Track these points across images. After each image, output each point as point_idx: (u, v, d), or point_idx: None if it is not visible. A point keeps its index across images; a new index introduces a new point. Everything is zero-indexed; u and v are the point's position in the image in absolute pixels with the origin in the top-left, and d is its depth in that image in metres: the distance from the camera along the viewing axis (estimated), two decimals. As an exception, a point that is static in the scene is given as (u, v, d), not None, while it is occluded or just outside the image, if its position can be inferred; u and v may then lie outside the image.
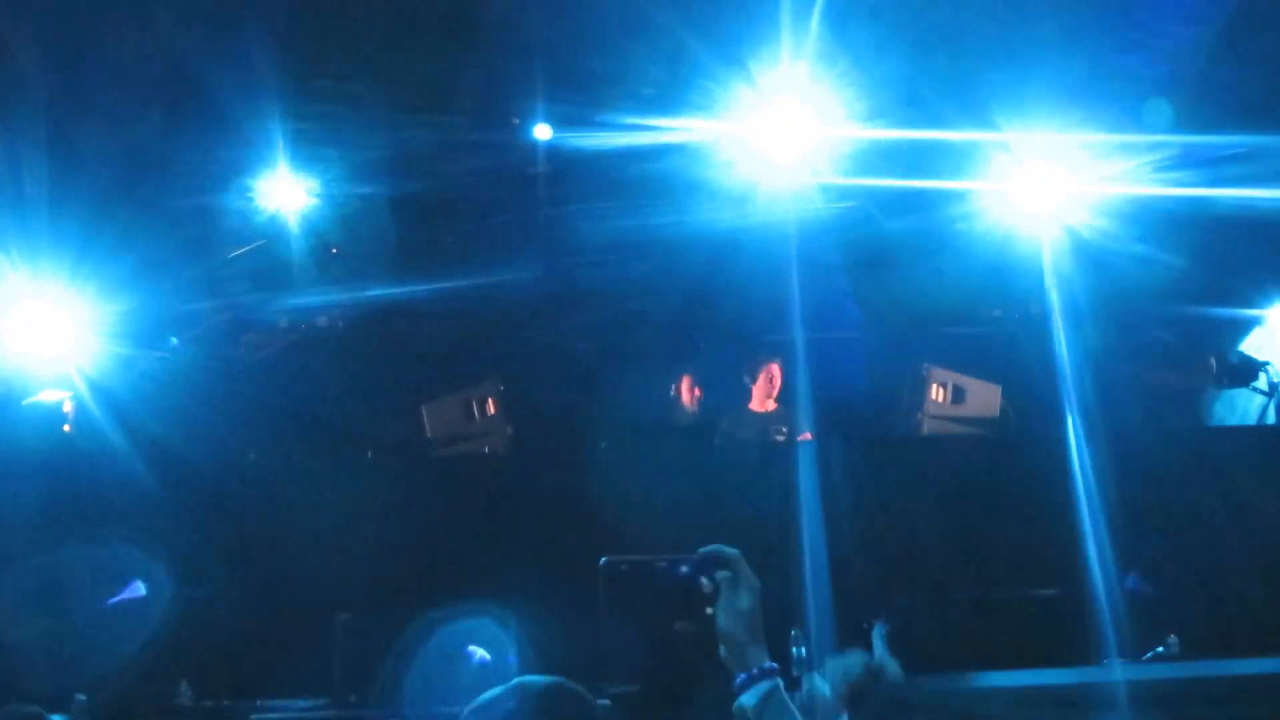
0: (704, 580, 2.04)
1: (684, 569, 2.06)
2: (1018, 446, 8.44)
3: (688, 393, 9.39)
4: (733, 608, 2.01)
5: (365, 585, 7.28)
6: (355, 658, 6.51)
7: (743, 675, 1.97)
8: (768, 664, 1.98)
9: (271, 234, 10.74)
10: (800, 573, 7.03)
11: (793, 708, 1.94)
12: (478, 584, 7.34)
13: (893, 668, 1.86)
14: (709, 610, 2.02)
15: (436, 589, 7.34)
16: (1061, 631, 6.63)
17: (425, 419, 8.61)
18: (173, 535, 7.46)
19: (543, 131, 10.60)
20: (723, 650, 2.01)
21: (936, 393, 8.70)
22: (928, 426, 8.64)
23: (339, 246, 11.02)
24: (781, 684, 1.97)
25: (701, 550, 2.07)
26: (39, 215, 9.77)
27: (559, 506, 7.63)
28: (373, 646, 6.58)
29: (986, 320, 11.05)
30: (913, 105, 10.46)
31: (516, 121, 10.69)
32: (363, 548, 7.42)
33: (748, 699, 1.94)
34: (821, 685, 1.93)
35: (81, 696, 6.27)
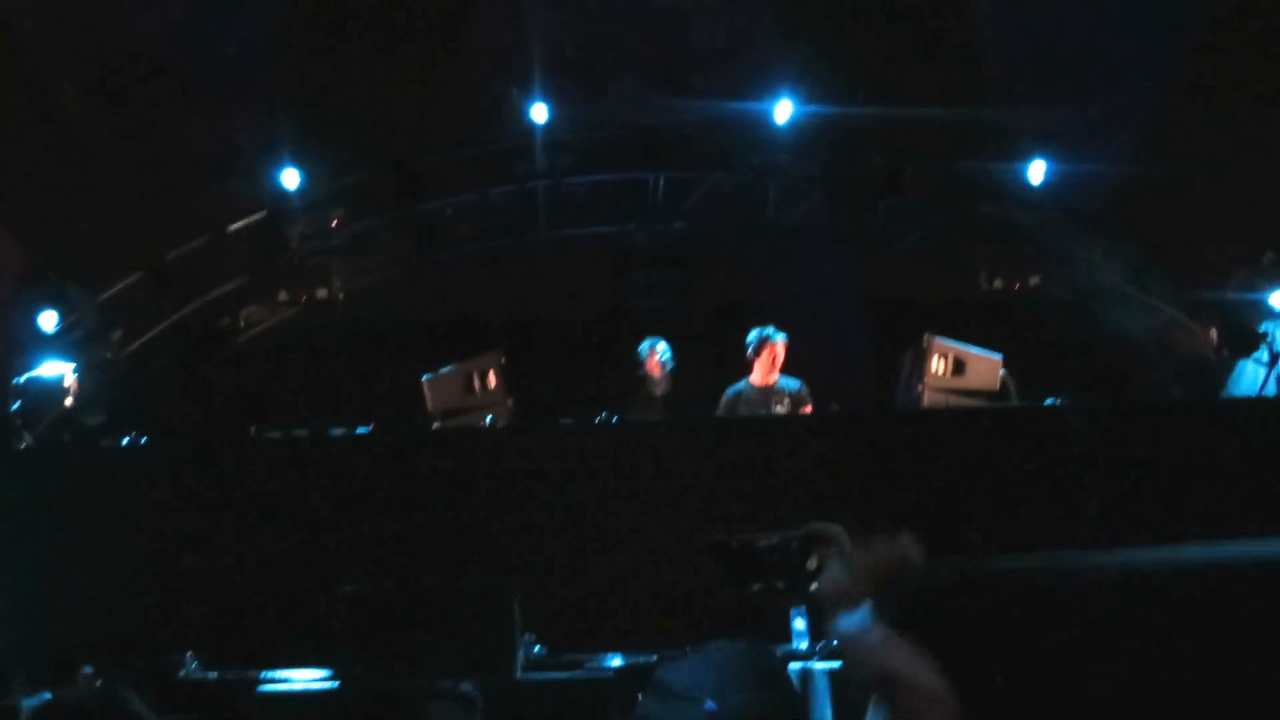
0: (810, 558, 2.06)
1: (789, 546, 2.08)
2: (1018, 417, 8.44)
3: (657, 367, 9.26)
4: (836, 583, 2.02)
5: (368, 556, 7.30)
6: (359, 629, 6.53)
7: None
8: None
9: (271, 209, 10.75)
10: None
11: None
12: (480, 556, 7.37)
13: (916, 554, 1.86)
14: (814, 587, 2.04)
15: (438, 560, 7.37)
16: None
17: (426, 391, 8.61)
18: (177, 506, 7.48)
19: (539, 113, 10.58)
20: (827, 624, 2.02)
21: (937, 364, 8.68)
22: (928, 398, 8.63)
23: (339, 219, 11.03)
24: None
25: (805, 527, 2.09)
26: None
27: (559, 479, 7.64)
28: (377, 618, 6.60)
29: (987, 292, 11.08)
30: (908, 81, 10.48)
31: (516, 92, 10.67)
32: (366, 519, 7.45)
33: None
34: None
35: (87, 669, 6.30)
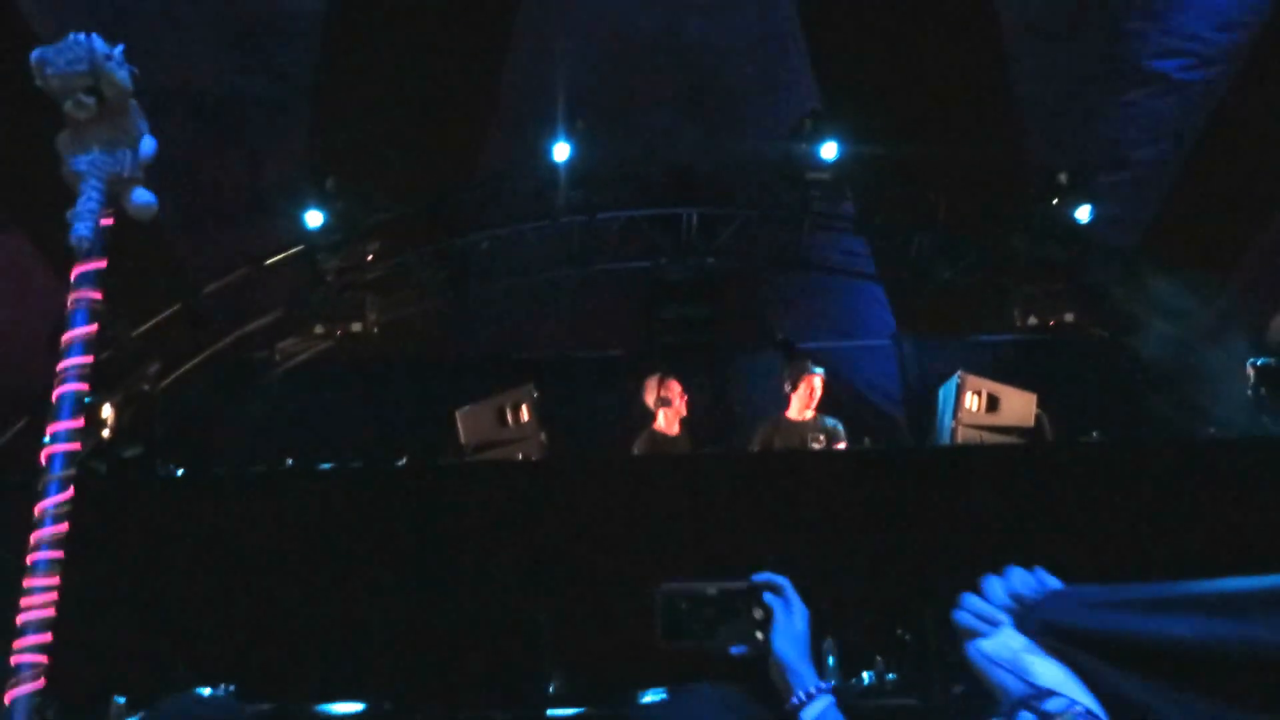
0: (756, 607, 2.10)
1: (737, 596, 2.12)
2: (1052, 454, 8.40)
3: (652, 393, 9.09)
4: (784, 633, 2.07)
5: (400, 589, 7.31)
6: (392, 661, 6.54)
7: (797, 696, 2.03)
8: (821, 683, 2.04)
9: (307, 243, 10.83)
10: (835, 581, 7.03)
11: None
12: (512, 589, 7.37)
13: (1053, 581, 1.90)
14: (760, 636, 2.08)
15: (470, 593, 7.37)
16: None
17: (459, 424, 8.63)
18: (211, 538, 7.51)
19: (561, 151, 10.62)
20: (773, 674, 2.07)
21: (970, 401, 8.64)
22: (961, 435, 8.60)
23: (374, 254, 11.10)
24: (834, 700, 2.03)
25: (754, 578, 2.13)
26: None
27: (593, 513, 7.64)
28: (409, 650, 6.61)
29: (1021, 329, 11.03)
30: (942, 119, 10.49)
31: (544, 128, 10.74)
32: (398, 551, 7.46)
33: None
34: None
35: (120, 699, 6.32)
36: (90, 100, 1.87)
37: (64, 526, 1.71)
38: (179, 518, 7.66)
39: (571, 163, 10.80)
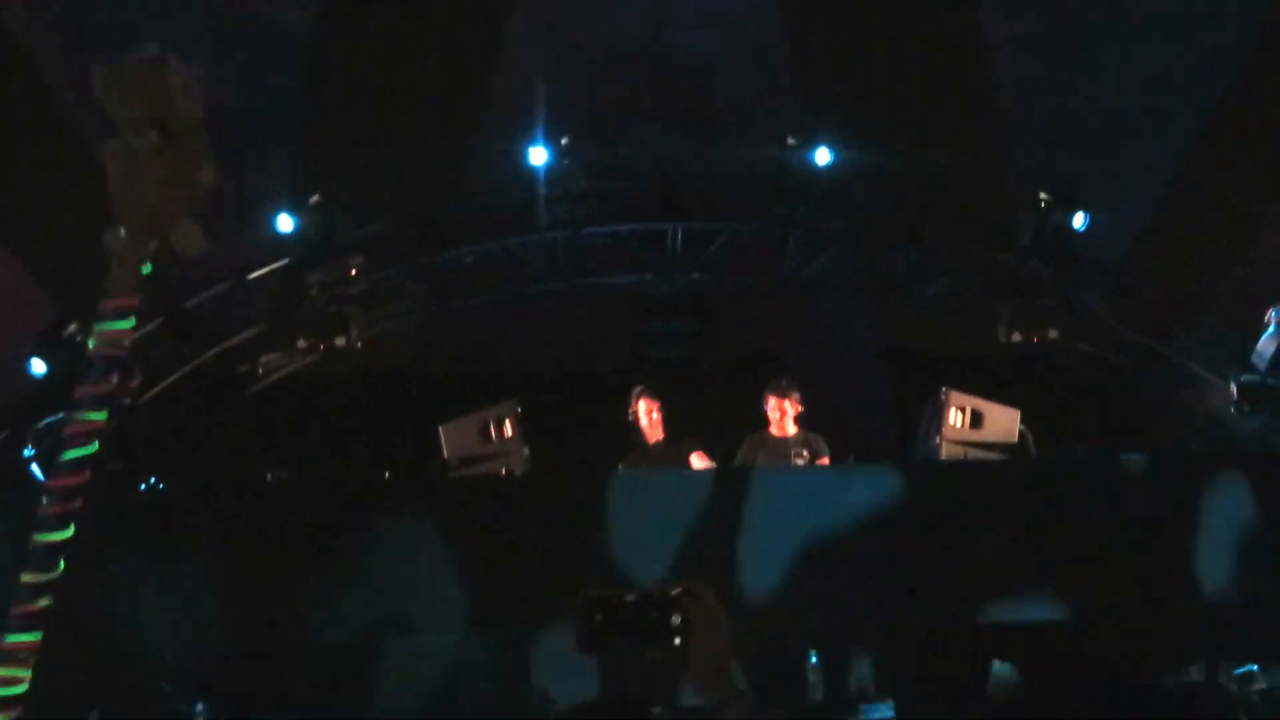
0: (675, 613, 2.12)
1: (655, 602, 2.14)
2: (1036, 470, 8.40)
3: (646, 415, 9.17)
4: (701, 639, 2.08)
5: (382, 604, 7.28)
6: (375, 681, 6.50)
7: (715, 699, 2.06)
8: (740, 688, 2.07)
9: (291, 257, 10.79)
10: (818, 594, 7.01)
11: None
12: (495, 606, 7.34)
13: None
14: (678, 642, 2.08)
15: (452, 610, 7.33)
16: (1086, 659, 6.59)
17: (442, 439, 8.60)
18: (191, 552, 7.47)
19: (538, 155, 10.54)
20: (694, 678, 2.09)
21: (955, 417, 8.64)
22: (946, 451, 8.59)
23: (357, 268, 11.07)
24: (754, 705, 2.07)
25: (670, 584, 2.15)
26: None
27: (576, 529, 7.61)
28: (392, 670, 6.57)
29: (1006, 345, 11.03)
30: (929, 132, 10.49)
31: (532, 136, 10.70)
32: (380, 566, 7.42)
33: None
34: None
35: (96, 712, 6.28)
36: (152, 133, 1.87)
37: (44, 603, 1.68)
38: (159, 532, 7.61)
39: (556, 177, 10.75)
